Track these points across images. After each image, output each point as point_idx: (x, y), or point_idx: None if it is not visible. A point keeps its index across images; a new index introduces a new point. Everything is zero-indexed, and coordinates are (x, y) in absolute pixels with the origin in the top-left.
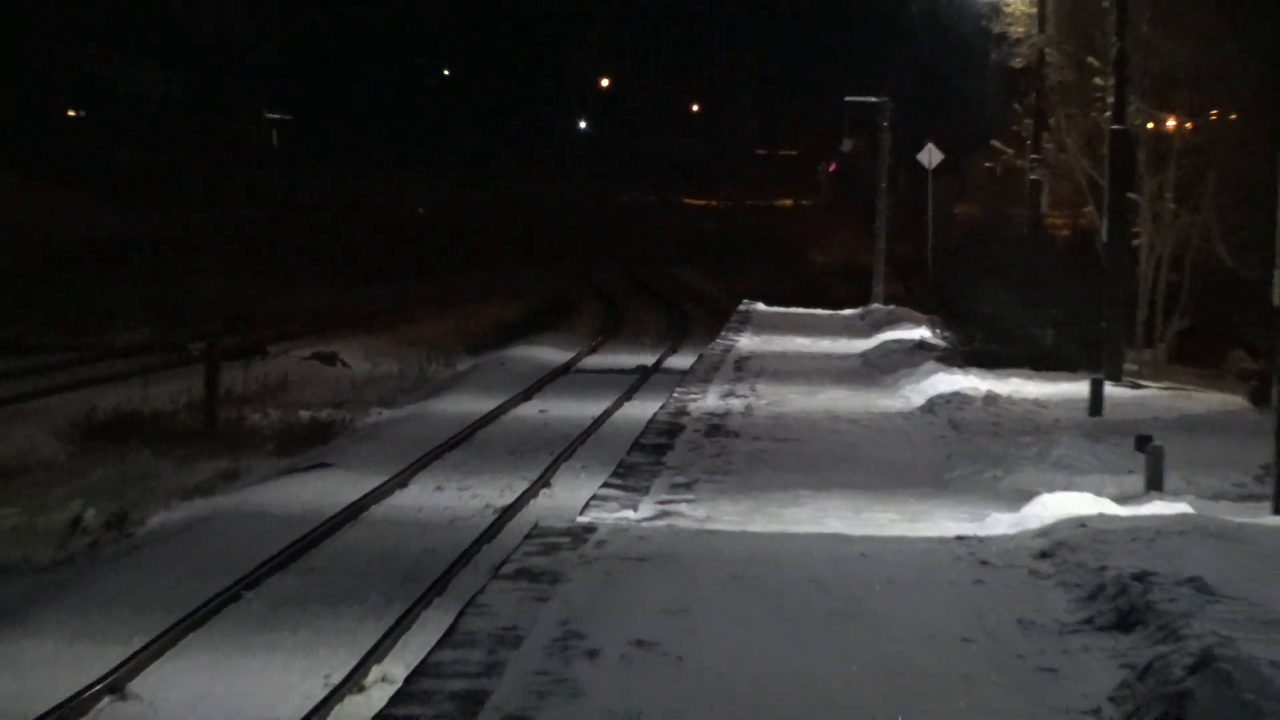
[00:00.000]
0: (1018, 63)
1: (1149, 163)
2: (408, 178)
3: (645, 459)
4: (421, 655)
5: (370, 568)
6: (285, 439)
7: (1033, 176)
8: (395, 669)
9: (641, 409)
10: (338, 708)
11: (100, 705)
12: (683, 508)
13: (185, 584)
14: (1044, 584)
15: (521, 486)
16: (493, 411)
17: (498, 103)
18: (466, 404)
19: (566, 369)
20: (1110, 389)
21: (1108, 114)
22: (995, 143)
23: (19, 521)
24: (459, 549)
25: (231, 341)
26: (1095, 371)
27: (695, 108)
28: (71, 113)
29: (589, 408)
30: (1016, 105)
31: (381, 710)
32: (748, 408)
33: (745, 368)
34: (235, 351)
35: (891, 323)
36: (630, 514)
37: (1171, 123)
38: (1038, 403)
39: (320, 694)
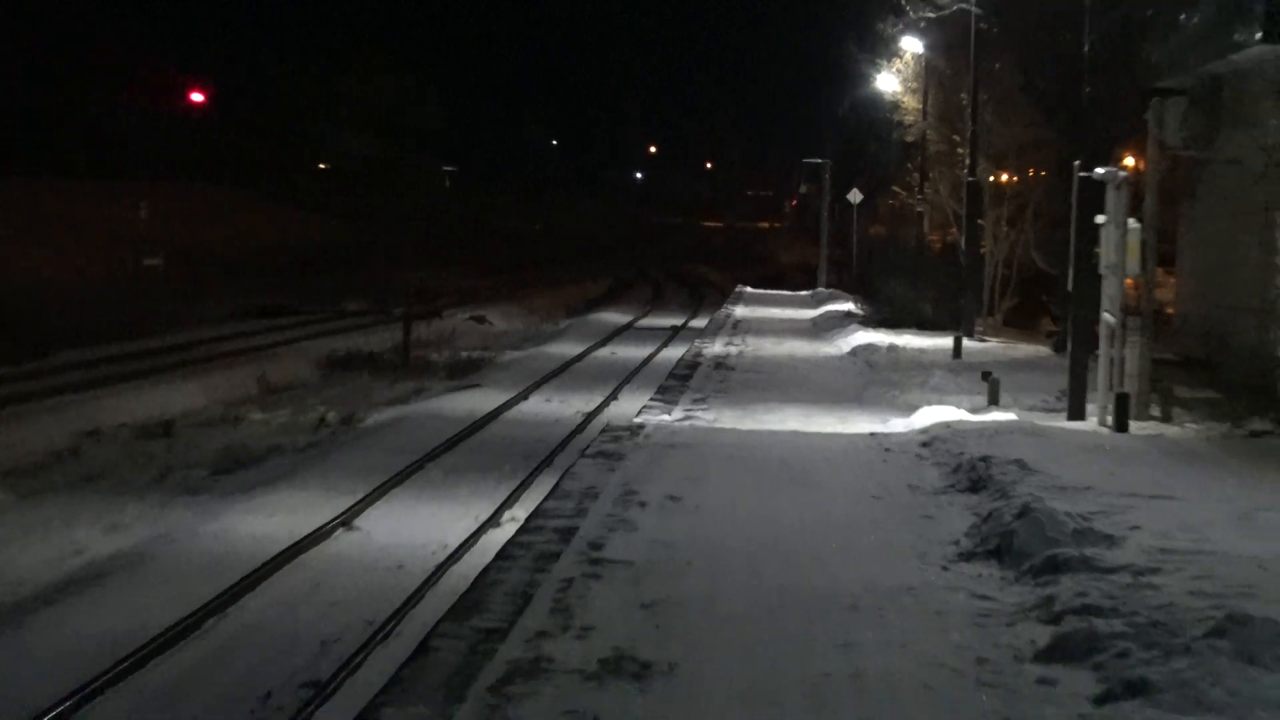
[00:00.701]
0: (910, 138)
1: (990, 201)
2: (527, 207)
3: (676, 383)
4: (535, 505)
5: (504, 449)
6: (451, 369)
7: (919, 209)
8: (519, 513)
9: (674, 352)
10: (483, 537)
11: (337, 533)
12: (699, 413)
13: (390, 459)
14: (924, 463)
15: (599, 400)
16: (581, 353)
17: (583, 158)
18: (564, 349)
19: (628, 327)
20: (966, 342)
21: (965, 171)
22: (895, 187)
23: (288, 419)
24: (559, 439)
25: (418, 308)
26: (957, 331)
27: (708, 164)
28: (321, 165)
29: (642, 351)
30: (909, 164)
31: (511, 538)
32: (739, 353)
33: (739, 328)
34: (421, 314)
35: (830, 299)
36: (666, 417)
37: (1005, 176)
38: (921, 350)
39: (473, 528)
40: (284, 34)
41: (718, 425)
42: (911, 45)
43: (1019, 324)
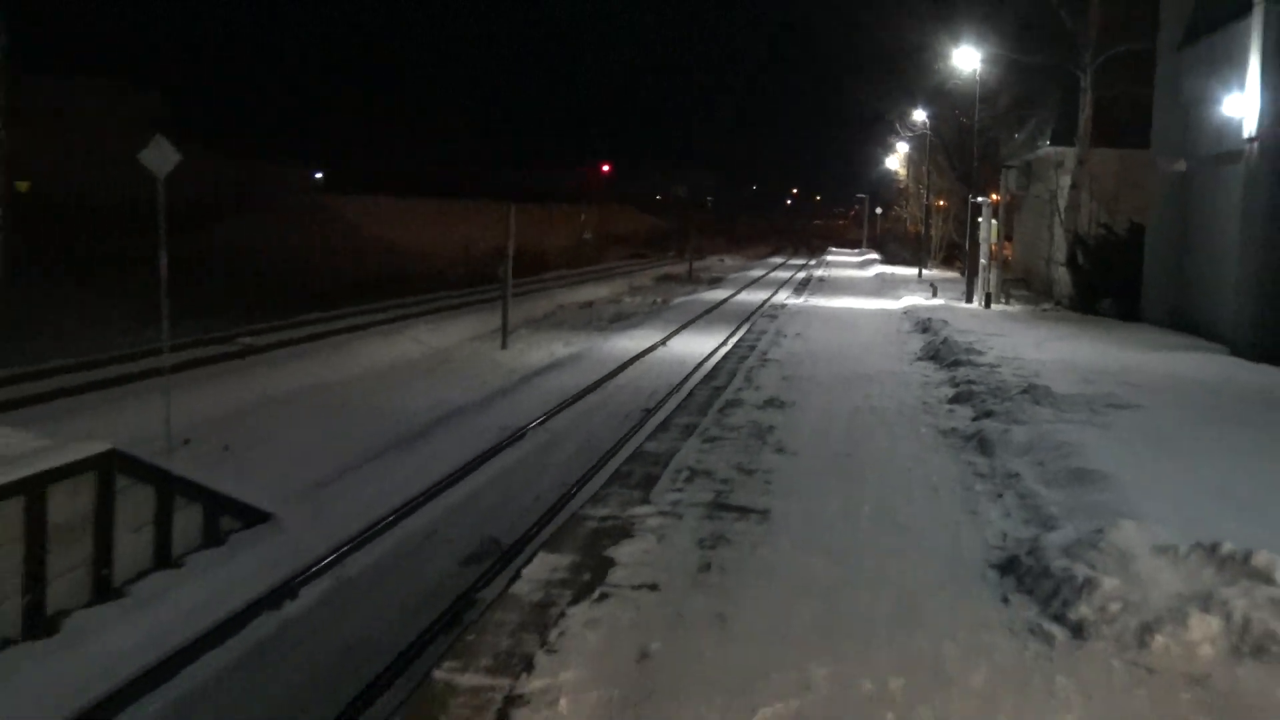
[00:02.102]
0: (900, 185)
1: (934, 211)
2: (749, 214)
3: (802, 287)
4: (740, 336)
5: (730, 313)
6: (709, 281)
7: (904, 216)
8: (733, 339)
9: (803, 275)
10: (720, 349)
11: (656, 349)
12: (809, 298)
13: (682, 317)
14: (904, 320)
15: (770, 294)
16: (764, 274)
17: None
18: (759, 273)
19: (784, 263)
20: (924, 272)
21: (923, 200)
22: (895, 207)
23: (640, 301)
24: (754, 308)
25: (696, 253)
26: (920, 267)
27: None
28: (658, 196)
29: (789, 273)
30: (900, 197)
31: (729, 350)
32: (828, 275)
33: (828, 265)
34: (696, 256)
35: (867, 254)
36: (796, 300)
37: (940, 202)
38: (904, 275)
39: (715, 345)
40: None
41: (816, 304)
42: (901, 147)
43: (946, 265)
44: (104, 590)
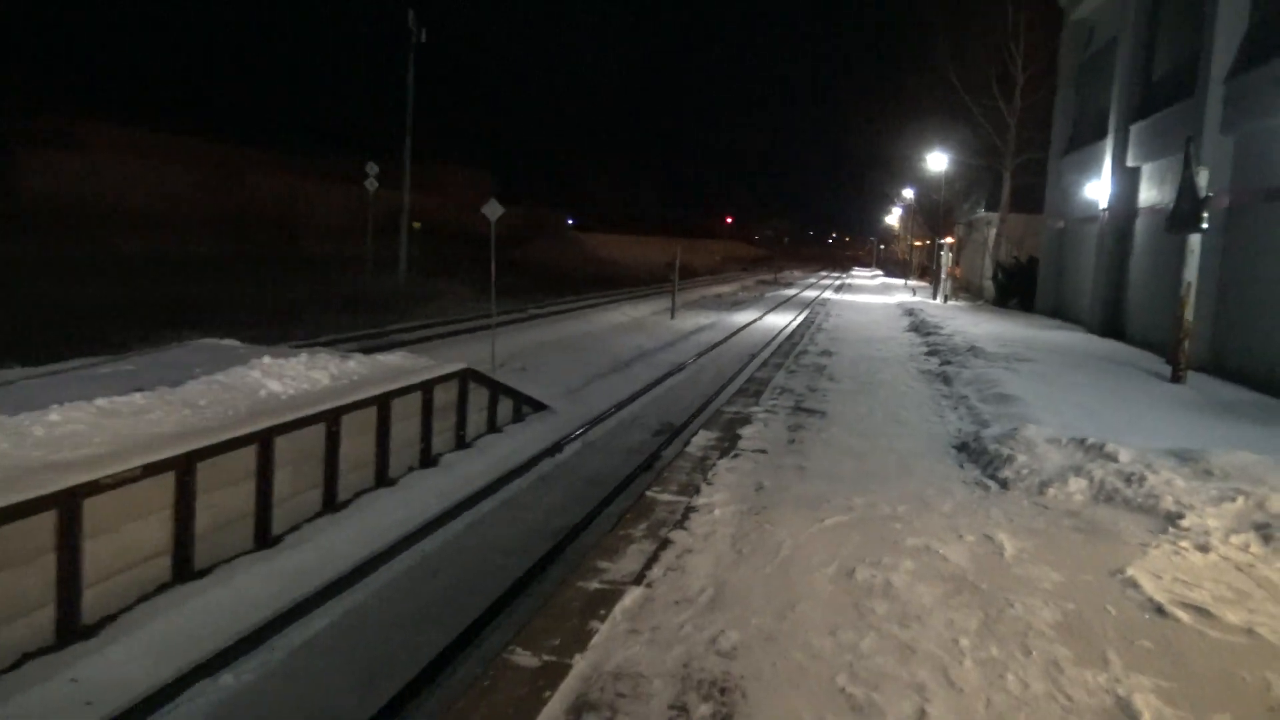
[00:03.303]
0: (895, 231)
1: (914, 248)
2: (808, 245)
3: (834, 290)
4: (804, 319)
5: (796, 303)
6: (786, 284)
7: (896, 250)
8: (798, 320)
9: (838, 281)
10: (794, 323)
11: (756, 321)
12: (840, 295)
13: (769, 304)
14: (898, 310)
15: (816, 293)
16: (815, 281)
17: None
18: (811, 280)
19: (826, 274)
20: (907, 281)
21: (909, 240)
22: (891, 244)
23: (747, 293)
24: (809, 301)
25: (778, 265)
26: (906, 279)
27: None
28: (756, 236)
29: (831, 279)
30: (895, 238)
31: (796, 327)
32: (849, 283)
33: (852, 277)
34: (778, 268)
35: (874, 271)
36: (834, 295)
37: (918, 242)
38: (898, 284)
39: (788, 320)
40: None
41: (845, 298)
42: (895, 210)
43: (920, 278)
44: (461, 444)
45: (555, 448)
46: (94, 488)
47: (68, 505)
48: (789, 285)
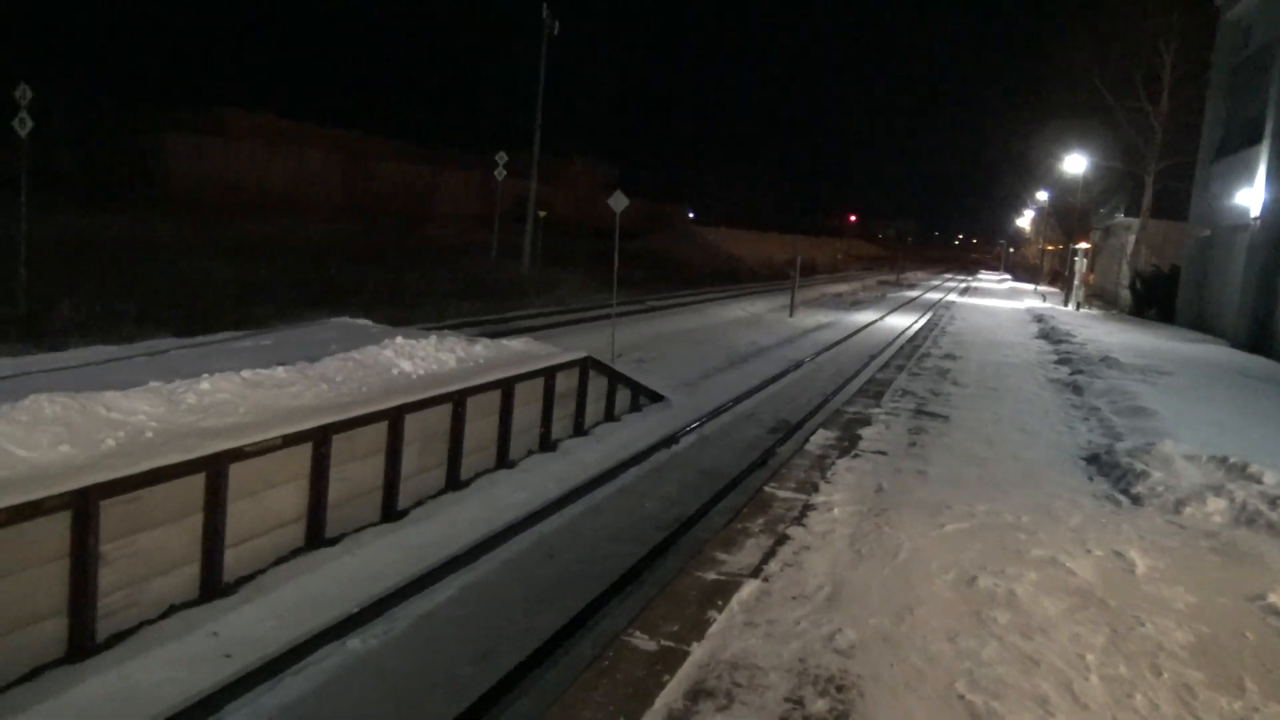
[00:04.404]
0: (1025, 234)
1: (1045, 253)
2: (933, 247)
3: (963, 293)
4: (926, 320)
5: (919, 305)
6: (908, 286)
7: (1027, 254)
8: (920, 322)
9: (964, 285)
10: (916, 325)
11: (876, 322)
12: (965, 298)
13: (890, 305)
14: (1026, 315)
15: (942, 295)
16: (940, 282)
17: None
18: (937, 282)
19: (952, 276)
20: (1038, 287)
21: (1042, 244)
22: (1021, 247)
23: (867, 293)
24: (933, 303)
25: (901, 268)
26: (1038, 284)
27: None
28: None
29: (957, 283)
30: (1025, 241)
31: (920, 329)
32: (975, 286)
33: (978, 280)
34: (902, 270)
35: (1003, 274)
36: (959, 299)
37: (1050, 246)
38: (1028, 289)
39: (911, 322)
40: None
41: (970, 301)
42: (1027, 213)
43: (1051, 283)
44: (580, 430)
45: (671, 439)
46: (239, 454)
47: (215, 469)
48: (911, 287)
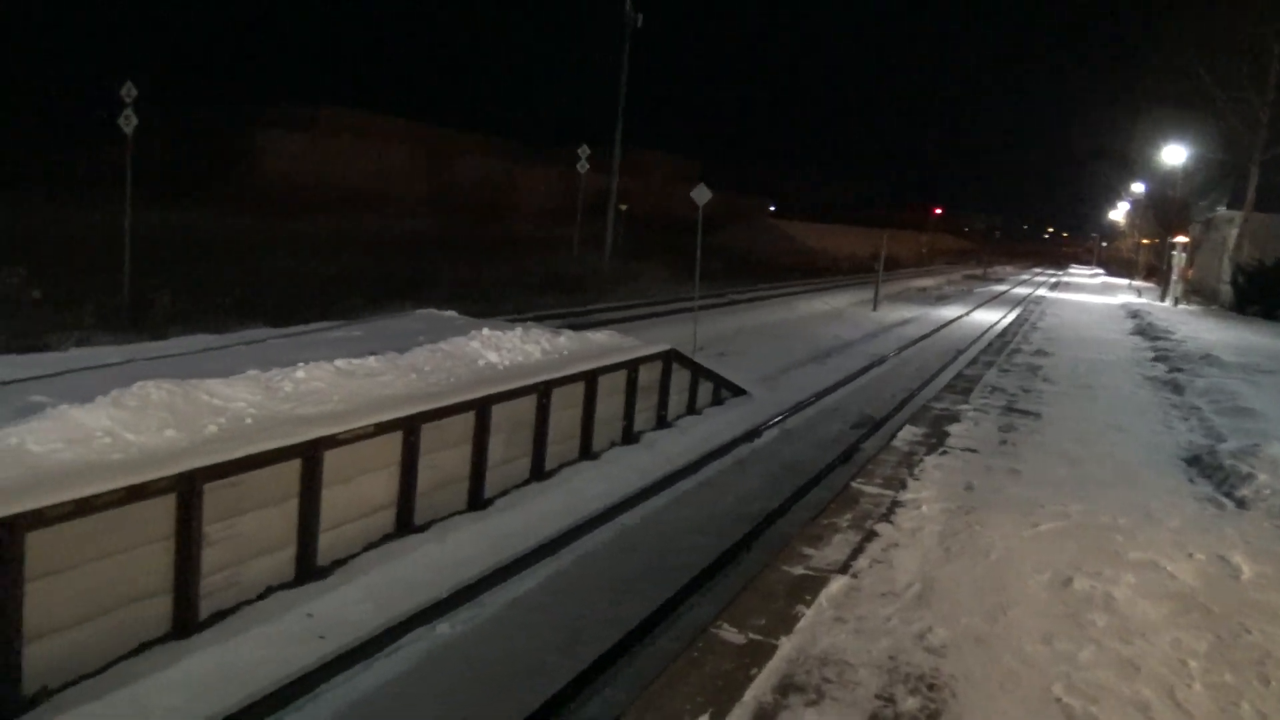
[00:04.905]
0: (1119, 226)
1: (1141, 247)
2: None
3: (1053, 288)
4: (1015, 316)
5: (1008, 300)
6: (995, 280)
7: (1121, 247)
8: (1009, 318)
9: (1054, 280)
10: (1005, 320)
11: (963, 317)
12: (1055, 293)
13: (977, 300)
14: (1120, 310)
15: (1032, 289)
16: (1029, 278)
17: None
18: (1026, 277)
19: (1041, 270)
20: (1133, 281)
21: (1136, 237)
22: (1115, 241)
23: (953, 287)
24: (1022, 298)
25: (989, 261)
26: (1131, 278)
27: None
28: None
29: (1048, 277)
30: (1119, 235)
31: (1009, 325)
32: (1067, 280)
33: (1069, 274)
34: (988, 264)
35: (1094, 268)
36: (1049, 294)
37: (1145, 240)
38: (1122, 283)
39: (999, 318)
40: None
41: (1062, 296)
42: (1120, 206)
43: (1147, 278)
44: (662, 423)
45: (753, 433)
46: (333, 441)
47: (311, 455)
48: (999, 281)
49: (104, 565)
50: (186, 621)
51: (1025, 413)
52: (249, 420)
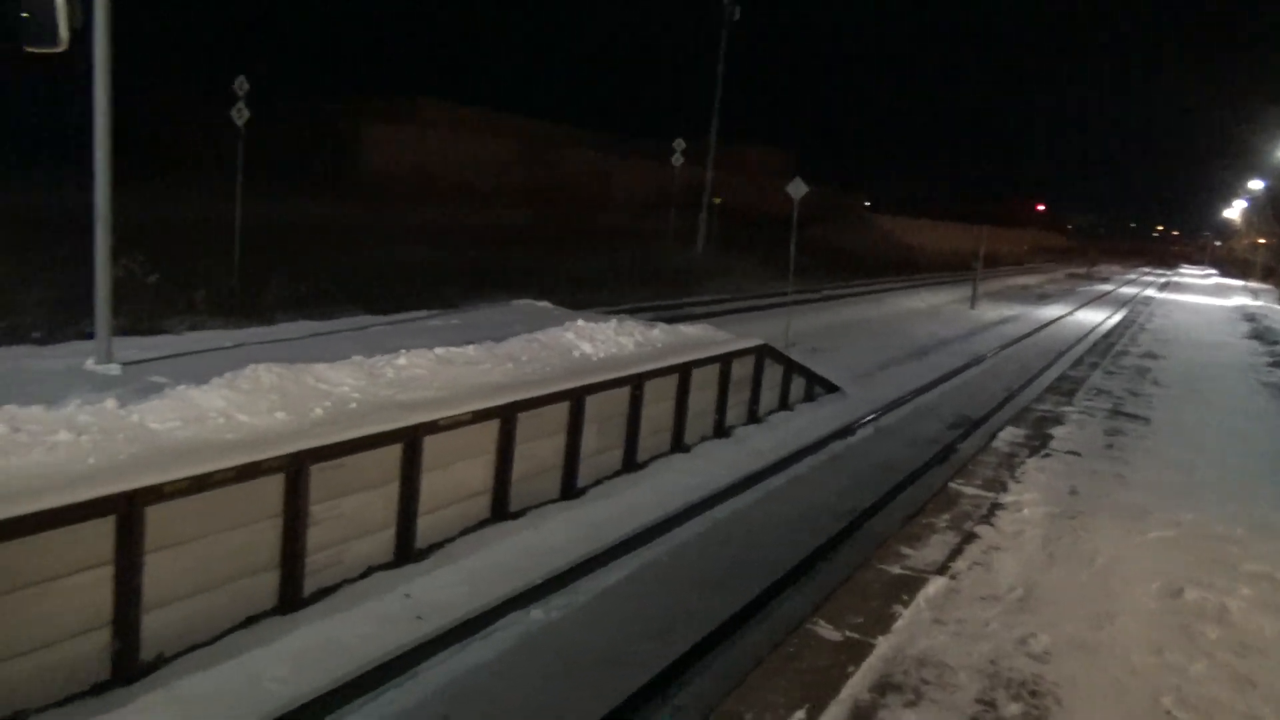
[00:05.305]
0: (1234, 225)
1: (1258, 247)
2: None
3: (1162, 288)
4: (1121, 316)
5: (1115, 300)
6: (1100, 280)
7: (1235, 248)
8: (1115, 318)
9: (1164, 281)
10: (1110, 321)
11: (1066, 317)
12: (1166, 294)
13: (1080, 300)
14: (1235, 313)
15: (1139, 290)
16: (1135, 277)
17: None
18: (1133, 277)
19: (1149, 270)
20: (1246, 283)
21: (1254, 237)
22: (1229, 241)
23: (1055, 286)
24: (1125, 299)
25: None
26: (1245, 280)
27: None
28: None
29: (1157, 279)
30: (1234, 235)
31: (1115, 324)
32: (1177, 281)
33: (1179, 274)
34: (1091, 263)
35: (1205, 269)
36: (1158, 295)
37: (1261, 240)
38: (1236, 285)
39: (1105, 318)
40: None
41: (1172, 297)
42: (1236, 205)
43: (1264, 280)
44: (753, 418)
45: (846, 430)
46: (433, 427)
47: (411, 440)
48: (1105, 280)
49: (216, 540)
50: (292, 597)
51: (1133, 416)
52: (353, 405)
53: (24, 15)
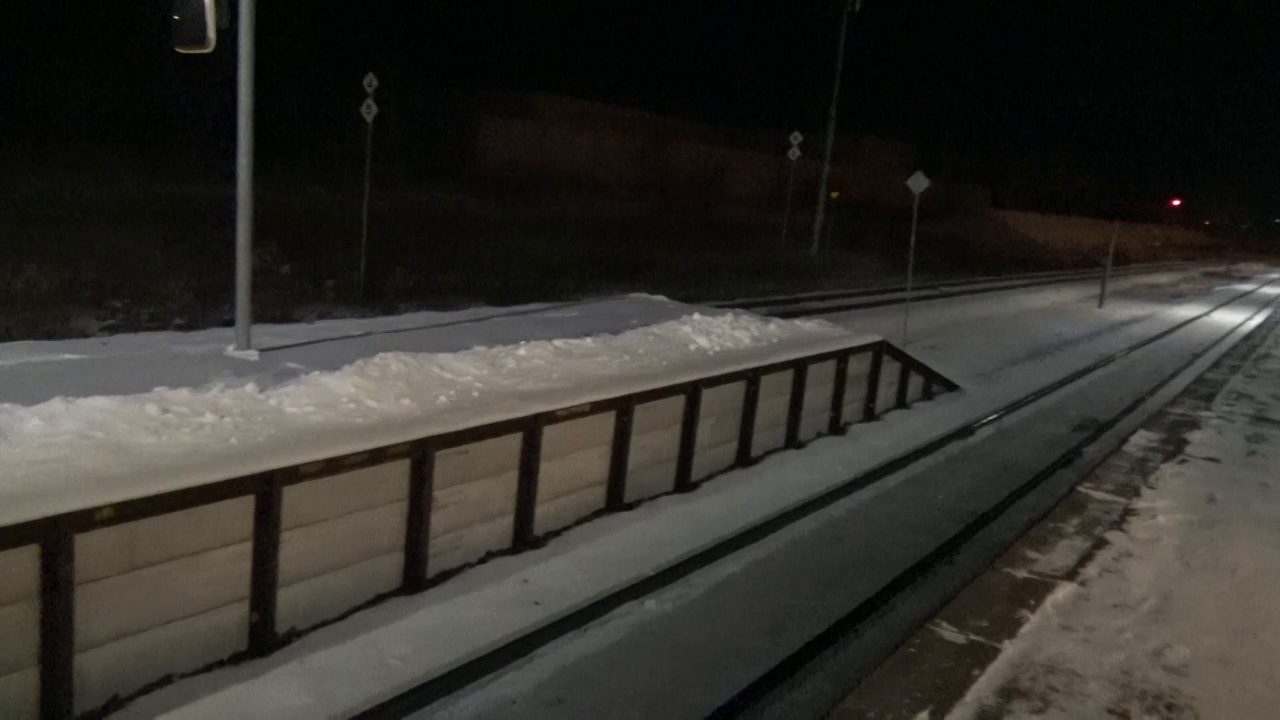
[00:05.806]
0: None
1: None
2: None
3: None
4: (1265, 318)
5: (1253, 301)
6: (1240, 279)
7: None
8: (1254, 321)
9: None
10: (1251, 322)
11: (1201, 317)
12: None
13: (1217, 300)
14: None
15: (1248, 287)
16: (1221, 274)
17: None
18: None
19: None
20: None
21: None
22: None
23: (1191, 288)
24: (1267, 300)
25: (1219, 264)
26: None
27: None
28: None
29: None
30: None
31: (1256, 325)
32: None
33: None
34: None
35: None
36: (1242, 286)
37: None
38: None
39: (1245, 319)
40: None
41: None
42: None
43: None
44: (870, 416)
45: (966, 430)
46: (551, 417)
47: (531, 430)
48: (1245, 279)
49: (346, 521)
50: (417, 578)
51: (1277, 423)
52: (475, 393)
53: (175, 18)
